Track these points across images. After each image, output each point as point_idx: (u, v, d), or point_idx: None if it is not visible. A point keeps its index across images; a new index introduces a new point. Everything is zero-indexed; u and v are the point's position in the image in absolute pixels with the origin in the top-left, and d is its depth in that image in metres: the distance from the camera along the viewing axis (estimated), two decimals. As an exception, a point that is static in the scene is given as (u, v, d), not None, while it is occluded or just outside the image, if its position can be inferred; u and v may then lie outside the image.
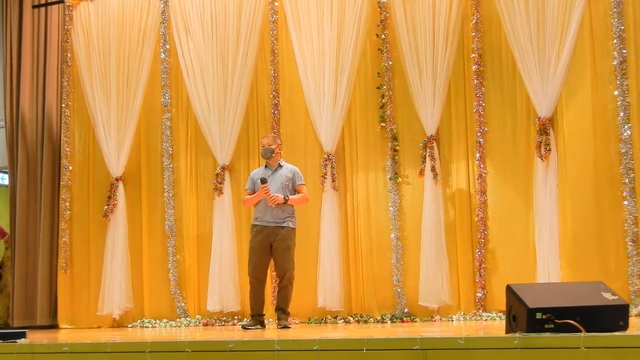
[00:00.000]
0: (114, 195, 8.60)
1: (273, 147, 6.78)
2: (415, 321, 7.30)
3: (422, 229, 7.42)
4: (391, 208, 7.62)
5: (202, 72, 8.34)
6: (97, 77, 8.82)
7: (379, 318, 7.51)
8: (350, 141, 7.91)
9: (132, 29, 8.74)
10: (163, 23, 8.62)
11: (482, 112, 7.40)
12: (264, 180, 6.63)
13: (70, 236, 8.77)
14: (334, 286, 7.59)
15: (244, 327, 6.64)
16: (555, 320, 3.70)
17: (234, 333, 6.39)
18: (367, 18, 7.80)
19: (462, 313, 7.25)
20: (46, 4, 9.30)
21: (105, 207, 8.61)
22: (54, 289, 8.80)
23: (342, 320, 7.56)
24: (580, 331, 3.58)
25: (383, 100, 7.73)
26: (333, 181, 7.74)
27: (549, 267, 6.87)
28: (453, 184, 7.51)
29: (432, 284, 7.30)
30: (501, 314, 6.77)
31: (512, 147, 7.32)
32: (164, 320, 8.24)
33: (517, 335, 3.64)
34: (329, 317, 7.62)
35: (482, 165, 7.37)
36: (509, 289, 4.00)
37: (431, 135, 7.48)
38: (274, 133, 7.89)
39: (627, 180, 6.76)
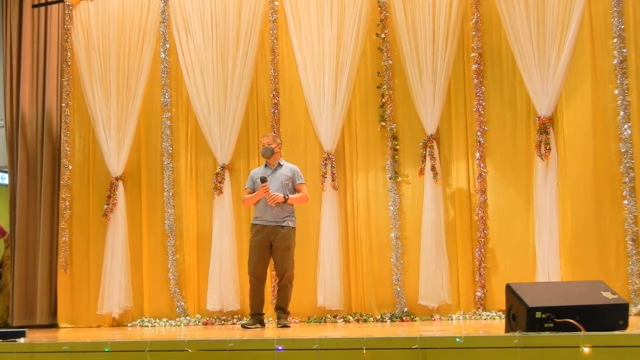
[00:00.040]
0: (113, 195, 8.60)
1: (273, 146, 6.78)
2: (415, 320, 7.30)
3: (422, 228, 7.41)
4: (391, 207, 7.62)
5: (202, 71, 8.33)
6: (97, 76, 8.82)
7: (378, 317, 7.51)
8: (350, 140, 7.91)
9: (132, 29, 8.74)
10: (163, 22, 8.61)
11: (482, 112, 7.40)
12: (264, 179, 6.63)
13: (70, 235, 8.77)
14: (333, 285, 7.59)
15: (244, 326, 6.64)
16: (555, 320, 3.70)
17: (233, 332, 6.39)
18: (367, 17, 7.80)
19: (461, 312, 7.25)
20: (46, 4, 9.29)
21: (105, 206, 8.61)
22: (54, 288, 8.79)
23: (342, 319, 7.56)
24: (580, 330, 3.58)
25: (383, 100, 7.73)
26: (333, 180, 7.74)
27: (548, 266, 6.87)
28: (453, 183, 7.51)
29: (431, 283, 7.30)
30: (501, 313, 6.77)
31: (512, 146, 7.32)
32: (164, 320, 8.23)
33: (516, 334, 3.64)
34: (329, 316, 7.62)
35: (482, 165, 7.37)
36: (509, 288, 4.00)
37: (431, 135, 7.48)
38: (274, 132, 7.89)
39: (627, 180, 6.75)
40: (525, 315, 3.73)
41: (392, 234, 7.58)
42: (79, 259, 8.73)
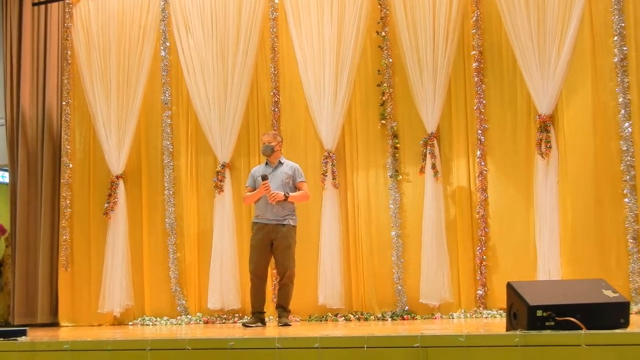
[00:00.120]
0: (114, 193, 8.60)
1: (273, 144, 6.78)
2: (416, 319, 7.30)
3: (422, 227, 7.41)
4: (392, 206, 7.62)
5: (202, 69, 8.33)
6: (97, 74, 8.82)
7: (379, 316, 7.51)
8: (351, 139, 7.90)
9: (132, 27, 8.73)
10: (163, 20, 8.61)
11: (482, 110, 7.40)
12: (264, 177, 6.63)
13: (70, 234, 8.77)
14: (334, 284, 7.59)
15: (245, 325, 6.64)
16: (556, 318, 3.70)
17: (234, 331, 6.39)
18: (367, 15, 7.79)
19: (462, 311, 7.25)
20: (46, 2, 9.27)
21: (106, 204, 8.61)
22: (55, 287, 8.79)
23: (343, 318, 7.56)
24: (581, 329, 3.58)
25: (383, 98, 7.73)
26: (333, 179, 7.74)
27: (549, 264, 6.87)
28: (454, 181, 7.50)
29: (432, 282, 7.30)
30: (502, 311, 6.77)
31: (513, 144, 7.32)
32: (165, 318, 8.23)
33: (517, 332, 3.64)
34: (330, 314, 7.62)
35: (482, 163, 7.36)
36: (510, 287, 4.00)
37: (431, 133, 7.47)
38: (275, 130, 7.89)
39: (627, 178, 6.75)
40: (526, 313, 3.73)
41: (393, 233, 7.58)
42: (79, 258, 8.73)
